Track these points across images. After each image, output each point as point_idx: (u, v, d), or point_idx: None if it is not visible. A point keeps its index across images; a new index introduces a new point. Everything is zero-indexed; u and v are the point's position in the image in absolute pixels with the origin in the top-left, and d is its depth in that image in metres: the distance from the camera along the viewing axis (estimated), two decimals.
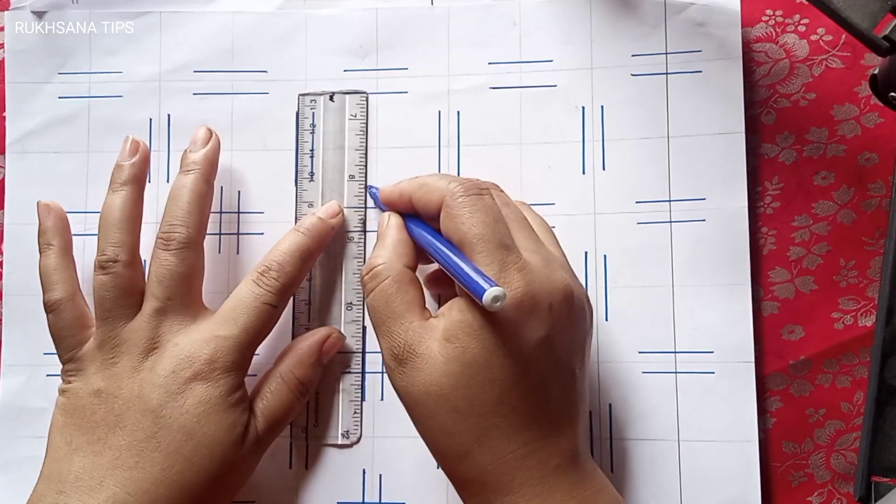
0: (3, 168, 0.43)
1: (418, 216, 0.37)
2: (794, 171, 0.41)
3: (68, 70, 0.43)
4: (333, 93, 0.42)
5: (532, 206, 0.41)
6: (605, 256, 0.41)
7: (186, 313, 0.37)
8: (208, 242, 0.42)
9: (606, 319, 0.41)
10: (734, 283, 0.40)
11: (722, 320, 0.40)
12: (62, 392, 0.37)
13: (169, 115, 0.43)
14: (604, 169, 0.41)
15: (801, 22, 0.41)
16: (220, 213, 0.42)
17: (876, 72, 0.38)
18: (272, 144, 0.43)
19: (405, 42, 0.43)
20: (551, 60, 0.42)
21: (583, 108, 0.42)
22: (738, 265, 0.40)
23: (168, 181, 0.43)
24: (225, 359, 0.36)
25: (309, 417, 0.41)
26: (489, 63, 0.42)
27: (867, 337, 0.40)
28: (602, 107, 0.42)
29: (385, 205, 0.38)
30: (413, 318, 0.33)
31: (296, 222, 0.42)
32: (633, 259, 0.41)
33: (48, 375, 0.42)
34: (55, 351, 0.38)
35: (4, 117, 0.43)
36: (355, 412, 0.41)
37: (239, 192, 0.43)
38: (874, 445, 0.39)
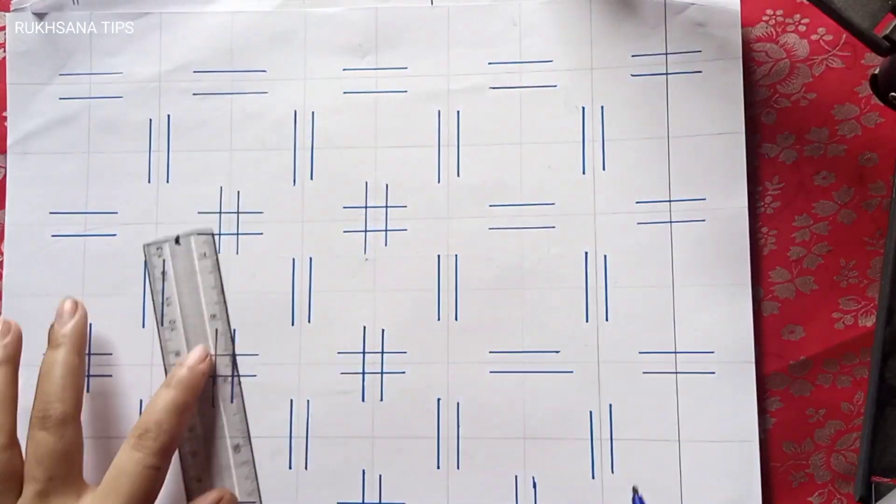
0: (4, 168, 0.43)
1: None
2: (795, 171, 0.41)
3: (69, 71, 0.43)
4: (178, 236, 0.42)
5: (532, 207, 0.41)
6: (605, 256, 0.41)
7: (69, 492, 0.36)
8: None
9: (606, 319, 0.41)
10: (734, 283, 0.40)
11: (722, 320, 0.40)
12: None
13: (169, 116, 0.43)
14: (604, 169, 0.41)
15: (802, 22, 0.41)
16: (220, 213, 0.42)
17: (876, 72, 0.37)
18: (271, 144, 0.43)
19: (405, 41, 0.43)
20: (551, 61, 0.42)
21: (583, 108, 0.42)
22: (739, 265, 0.40)
23: (168, 182, 0.43)
24: None
25: None
26: (489, 63, 0.42)
27: (867, 337, 0.40)
28: (602, 107, 0.42)
29: None
30: None
31: (165, 373, 0.41)
32: (633, 259, 0.41)
33: None
34: None
35: (5, 118, 0.43)
36: None
37: (238, 191, 0.43)
38: (874, 445, 0.39)
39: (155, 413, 0.37)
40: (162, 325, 0.41)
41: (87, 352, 0.40)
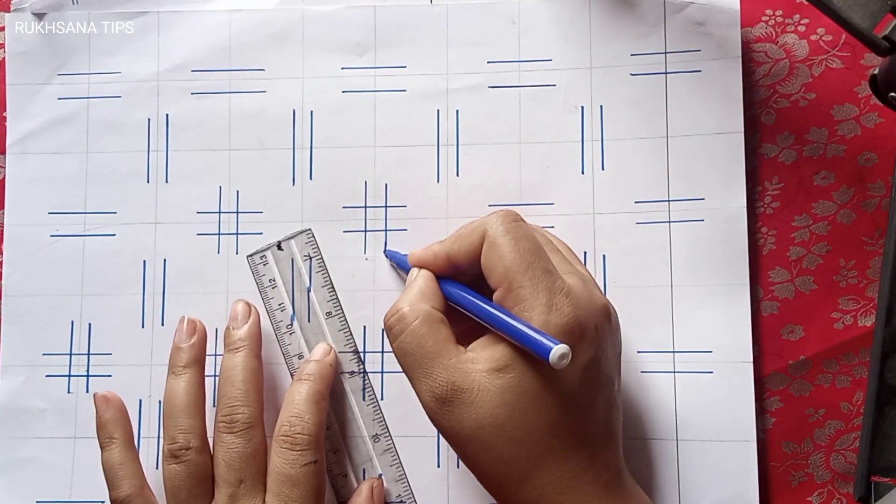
0: (4, 168, 0.43)
1: (452, 278, 0.36)
2: (794, 171, 0.41)
3: (68, 71, 0.43)
4: (279, 241, 0.42)
5: (531, 206, 0.41)
6: (604, 256, 0.41)
7: (256, 494, 0.37)
8: (208, 243, 0.42)
9: None
10: (733, 283, 0.40)
11: (721, 320, 0.40)
12: None
13: (167, 115, 0.43)
14: (603, 169, 0.41)
15: (801, 22, 0.41)
16: (220, 213, 0.42)
17: (876, 72, 0.37)
18: (270, 143, 0.43)
19: (404, 40, 0.43)
20: (550, 59, 0.42)
21: (582, 107, 0.42)
22: (737, 265, 0.40)
23: (167, 181, 0.43)
24: None
25: None
26: (488, 62, 0.42)
27: (867, 337, 0.40)
28: (601, 106, 0.42)
29: (414, 265, 0.37)
30: (450, 355, 0.33)
31: (291, 376, 0.41)
32: (633, 259, 0.41)
33: (47, 376, 0.42)
34: None
35: (5, 117, 0.43)
36: None
37: (238, 191, 0.42)
38: (874, 445, 0.39)
39: (294, 408, 0.38)
40: (280, 329, 0.42)
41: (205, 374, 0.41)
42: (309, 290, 0.42)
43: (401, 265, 0.40)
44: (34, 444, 0.42)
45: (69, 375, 0.42)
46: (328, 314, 0.41)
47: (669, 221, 0.41)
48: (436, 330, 0.33)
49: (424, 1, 0.43)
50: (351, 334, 0.41)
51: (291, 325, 0.42)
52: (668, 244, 0.41)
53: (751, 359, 0.40)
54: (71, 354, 0.42)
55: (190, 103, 0.43)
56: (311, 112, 0.43)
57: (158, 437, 0.42)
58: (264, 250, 0.42)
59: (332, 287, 0.42)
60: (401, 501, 0.41)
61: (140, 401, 0.42)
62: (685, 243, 0.41)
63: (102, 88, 0.43)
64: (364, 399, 0.41)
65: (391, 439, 0.41)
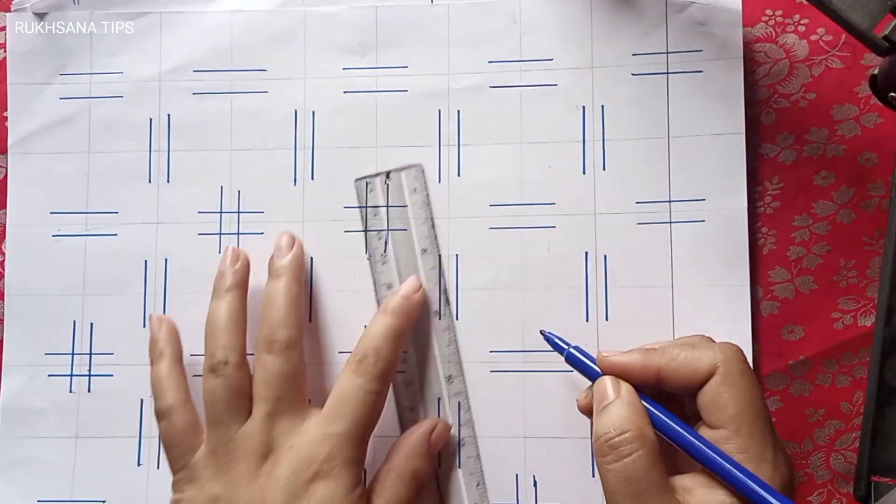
0: (5, 168, 0.43)
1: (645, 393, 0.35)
2: (794, 171, 0.41)
3: (69, 71, 0.43)
4: (389, 171, 0.42)
5: (532, 206, 0.41)
6: (605, 256, 0.41)
7: (296, 413, 0.37)
8: (209, 243, 0.42)
9: (606, 319, 0.41)
10: (734, 284, 0.40)
11: (721, 320, 0.40)
12: (175, 503, 0.37)
13: (169, 115, 0.43)
14: (604, 169, 0.41)
15: (801, 22, 0.41)
16: (220, 213, 0.43)
17: (876, 72, 0.37)
18: (272, 143, 0.43)
19: (405, 40, 0.43)
20: (551, 59, 0.42)
21: (583, 107, 0.42)
22: (738, 266, 0.40)
23: (168, 181, 0.43)
24: (342, 455, 0.36)
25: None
26: (489, 62, 0.42)
27: (867, 337, 0.40)
28: (602, 106, 0.42)
29: (606, 373, 0.35)
30: (670, 494, 0.31)
31: (377, 305, 0.42)
32: (633, 259, 0.41)
33: (49, 376, 0.42)
34: (166, 459, 0.38)
35: (6, 117, 0.43)
36: (478, 485, 0.41)
37: (239, 191, 0.43)
38: (874, 445, 0.39)
39: (373, 339, 0.38)
40: (374, 257, 0.42)
41: (305, 280, 0.41)
42: (409, 223, 0.42)
43: (582, 368, 0.36)
44: (36, 443, 0.42)
45: (71, 375, 0.42)
46: (423, 250, 0.42)
47: (670, 222, 0.41)
48: (660, 463, 0.32)
49: (425, 1, 0.43)
50: (442, 274, 0.42)
51: (385, 254, 0.42)
52: (669, 244, 0.41)
53: (751, 359, 0.40)
54: (73, 354, 0.42)
55: (192, 103, 0.43)
56: (313, 112, 0.43)
57: (160, 437, 0.42)
58: (373, 177, 0.42)
59: (433, 224, 0.42)
60: (462, 444, 0.41)
61: (141, 400, 0.42)
62: (686, 244, 0.41)
63: (104, 88, 0.43)
64: (444, 337, 0.41)
65: (464, 384, 0.41)
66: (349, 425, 0.36)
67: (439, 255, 0.42)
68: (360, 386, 0.37)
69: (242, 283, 0.40)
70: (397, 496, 0.38)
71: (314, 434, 0.36)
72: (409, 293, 0.40)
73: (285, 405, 0.37)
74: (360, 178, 0.42)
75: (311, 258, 0.42)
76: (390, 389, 0.40)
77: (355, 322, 0.42)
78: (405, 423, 0.41)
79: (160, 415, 0.38)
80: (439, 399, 0.41)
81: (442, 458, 0.41)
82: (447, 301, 0.42)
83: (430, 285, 0.42)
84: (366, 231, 0.42)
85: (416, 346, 0.42)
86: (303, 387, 0.38)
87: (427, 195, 0.42)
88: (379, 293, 0.42)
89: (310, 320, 0.42)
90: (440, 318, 0.42)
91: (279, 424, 0.37)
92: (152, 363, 0.40)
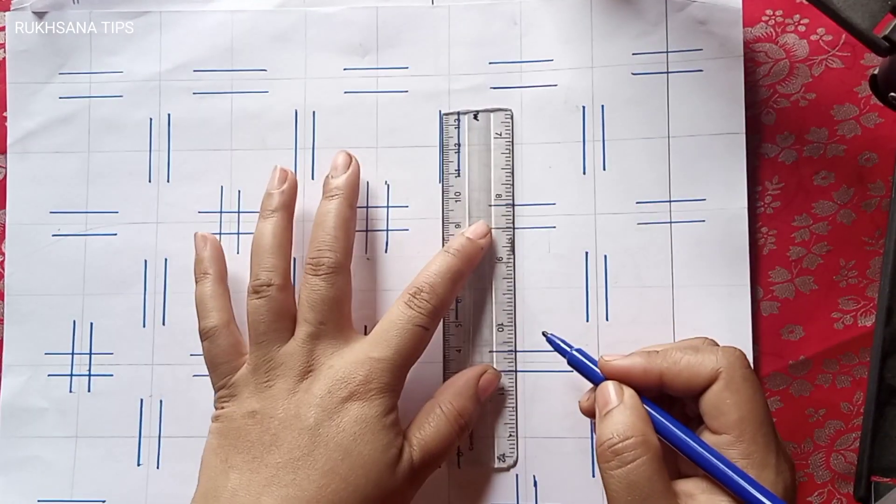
0: (5, 168, 0.43)
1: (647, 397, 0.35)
2: (794, 171, 0.41)
3: (69, 70, 0.43)
4: (477, 111, 0.42)
5: (532, 206, 0.41)
6: (605, 256, 0.41)
7: (339, 337, 0.37)
8: None
9: (607, 319, 0.41)
10: (734, 284, 0.40)
11: (722, 320, 0.40)
12: (216, 418, 0.37)
13: (169, 115, 0.43)
14: (604, 169, 0.41)
15: (801, 22, 0.41)
16: (221, 212, 0.43)
17: (876, 72, 0.37)
18: (272, 143, 0.43)
19: (405, 41, 0.43)
20: (551, 60, 0.42)
21: (583, 107, 0.42)
22: (738, 265, 0.40)
23: (168, 181, 0.43)
24: (380, 380, 0.36)
25: (463, 442, 0.41)
26: (490, 62, 0.42)
27: (867, 337, 0.40)
28: (602, 106, 0.42)
29: (609, 377, 0.35)
30: (673, 501, 0.31)
31: (443, 243, 0.42)
32: (633, 259, 0.41)
33: (49, 376, 0.42)
34: (209, 378, 0.38)
35: (5, 117, 0.43)
36: (510, 435, 0.41)
37: (239, 191, 0.43)
38: (874, 445, 0.39)
39: (431, 276, 0.38)
40: (448, 194, 0.42)
41: (358, 204, 0.41)
42: (490, 167, 0.42)
43: (584, 371, 0.36)
44: (36, 443, 0.42)
45: (71, 375, 0.42)
46: (497, 196, 0.41)
47: (671, 222, 0.41)
48: (663, 469, 0.32)
49: (426, 2, 0.43)
50: (513, 221, 0.41)
51: (460, 194, 0.41)
52: (669, 244, 0.41)
53: (751, 359, 0.40)
54: (73, 354, 0.42)
55: (192, 103, 0.43)
56: (314, 112, 0.43)
57: (160, 437, 0.42)
58: (462, 113, 0.42)
59: (512, 171, 0.42)
60: (501, 393, 0.41)
61: (141, 400, 0.42)
62: (686, 244, 0.41)
63: (104, 88, 0.43)
64: (503, 287, 0.41)
65: (514, 335, 0.41)
66: (392, 353, 0.36)
67: (514, 202, 0.41)
68: (410, 318, 0.37)
69: (288, 205, 0.40)
70: (437, 432, 0.37)
71: (355, 356, 0.36)
72: (476, 237, 0.40)
73: (329, 328, 0.37)
74: (447, 113, 0.42)
75: None
76: (440, 328, 0.41)
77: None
78: (449, 363, 0.41)
79: (204, 335, 0.38)
80: (488, 345, 0.41)
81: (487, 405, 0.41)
82: (512, 250, 0.41)
83: (501, 232, 0.42)
84: (442, 164, 0.42)
85: (474, 290, 0.41)
86: (348, 311, 0.38)
87: (511, 141, 0.42)
88: (446, 231, 0.42)
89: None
90: (504, 266, 0.41)
91: (320, 346, 0.37)
92: (197, 282, 0.40)
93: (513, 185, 0.42)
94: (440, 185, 0.42)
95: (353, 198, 0.40)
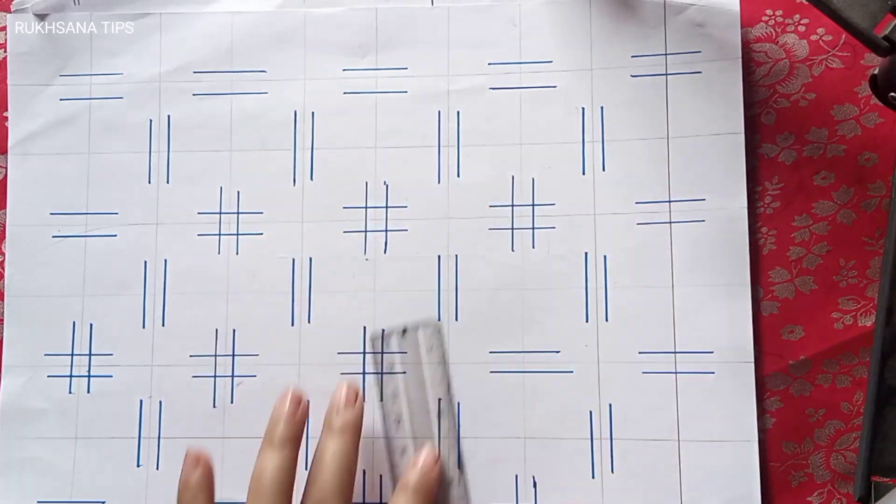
0: (5, 169, 0.43)
1: None
2: (794, 171, 0.41)
3: (69, 72, 0.43)
4: (406, 328, 0.41)
5: (532, 207, 0.41)
6: (605, 257, 0.41)
7: None
8: (209, 243, 0.42)
9: (606, 320, 0.41)
10: (734, 284, 0.40)
11: (722, 320, 0.40)
12: None
13: (169, 116, 0.43)
14: (604, 169, 0.41)
15: (801, 22, 0.41)
16: (220, 213, 0.43)
17: (876, 72, 0.38)
18: (272, 144, 0.43)
19: (405, 42, 0.43)
20: (551, 61, 0.42)
21: (582, 108, 0.42)
22: (738, 265, 0.40)
23: (168, 182, 0.43)
24: None
25: None
26: (489, 63, 0.42)
27: (867, 337, 0.40)
28: (602, 107, 0.42)
29: None
30: None
31: (393, 478, 0.41)
32: (633, 259, 0.41)
33: (49, 377, 0.42)
34: None
35: (6, 118, 0.43)
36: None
37: (238, 192, 0.43)
38: (874, 445, 0.39)
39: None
40: (387, 421, 0.41)
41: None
42: (425, 384, 0.41)
43: None
44: (35, 444, 0.42)
45: (70, 376, 0.42)
46: (439, 412, 0.41)
47: (670, 222, 0.41)
48: None
49: (426, 3, 0.43)
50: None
51: (400, 416, 0.41)
52: (669, 245, 0.41)
53: (752, 359, 0.40)
54: (72, 355, 0.42)
55: (191, 104, 0.43)
56: (313, 113, 0.43)
57: (159, 438, 0.42)
58: (388, 334, 0.41)
59: (450, 386, 0.41)
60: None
61: (140, 401, 0.42)
62: (686, 244, 0.41)
63: (104, 89, 0.43)
64: (458, 488, 0.41)
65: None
66: None
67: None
68: None
69: (298, 437, 0.37)
70: None
71: None
72: (427, 469, 0.38)
73: None
74: (375, 336, 0.41)
75: (311, 258, 0.42)
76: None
77: (354, 322, 0.42)
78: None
79: None
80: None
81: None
82: (461, 470, 0.41)
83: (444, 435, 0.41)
84: (381, 390, 0.41)
85: None
86: None
87: (443, 353, 0.41)
88: (392, 458, 0.41)
89: (308, 321, 0.42)
90: (457, 485, 0.41)
91: None
92: None
93: (512, 185, 0.42)
94: (440, 184, 0.42)
95: (358, 438, 0.37)
